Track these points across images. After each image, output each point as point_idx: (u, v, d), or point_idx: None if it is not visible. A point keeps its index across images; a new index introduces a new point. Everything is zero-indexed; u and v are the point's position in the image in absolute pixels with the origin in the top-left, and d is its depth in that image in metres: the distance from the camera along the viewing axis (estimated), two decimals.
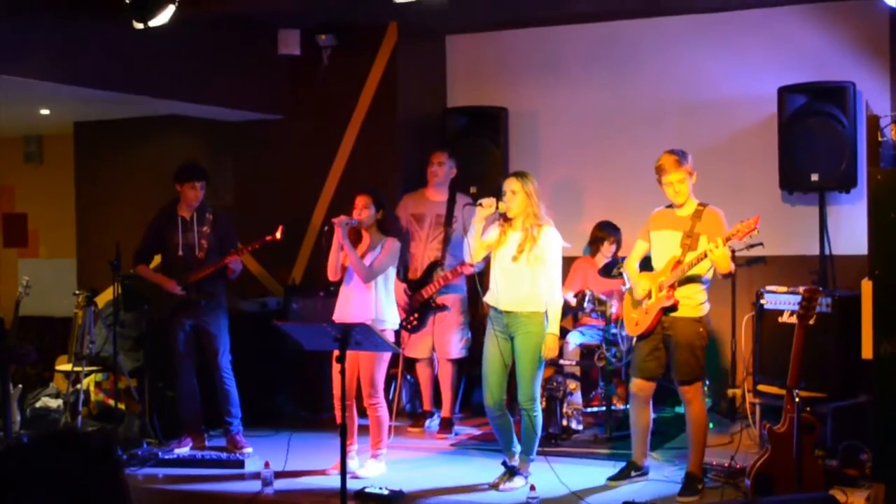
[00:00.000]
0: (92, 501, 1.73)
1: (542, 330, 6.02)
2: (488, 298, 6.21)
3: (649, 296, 5.99)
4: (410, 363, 8.06)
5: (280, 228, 6.86)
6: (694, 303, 5.93)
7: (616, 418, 7.25)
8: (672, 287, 5.87)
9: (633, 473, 6.21)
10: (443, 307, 7.65)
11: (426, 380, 7.99)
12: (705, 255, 5.74)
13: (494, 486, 6.11)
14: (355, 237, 6.52)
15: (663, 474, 6.36)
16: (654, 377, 6.07)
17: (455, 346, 7.76)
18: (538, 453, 6.25)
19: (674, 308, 5.90)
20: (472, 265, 6.45)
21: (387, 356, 6.47)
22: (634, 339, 6.15)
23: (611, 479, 6.19)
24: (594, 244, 8.00)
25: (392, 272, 6.55)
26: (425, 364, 7.92)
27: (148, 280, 7.20)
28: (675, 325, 5.93)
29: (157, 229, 7.25)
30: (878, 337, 5.55)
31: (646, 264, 6.22)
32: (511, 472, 6.13)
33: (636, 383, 6.10)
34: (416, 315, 7.60)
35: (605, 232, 7.92)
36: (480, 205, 6.06)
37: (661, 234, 6.06)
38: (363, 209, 6.47)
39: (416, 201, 7.90)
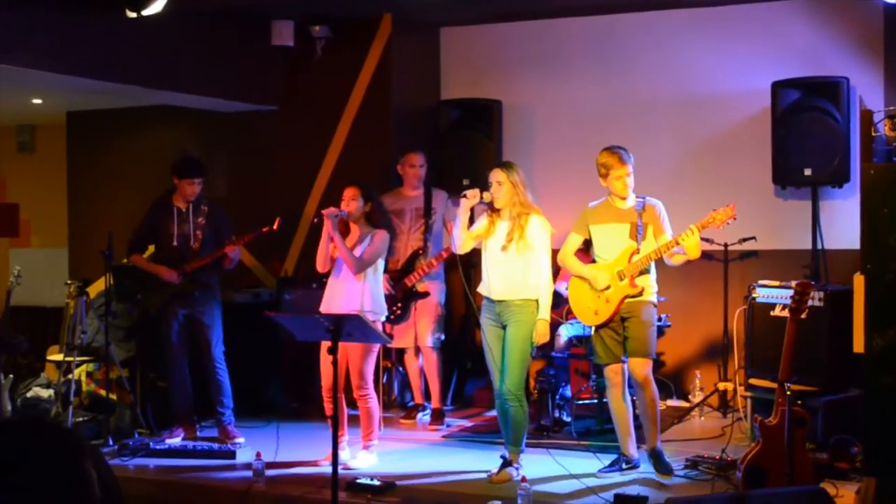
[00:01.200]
0: (46, 488, 1.71)
1: (533, 318, 6.06)
2: (481, 289, 6.25)
3: (607, 286, 6.18)
4: (400, 355, 8.10)
5: (277, 220, 6.88)
6: (652, 289, 6.23)
7: (608, 410, 7.25)
8: (633, 276, 6.10)
9: (623, 466, 6.24)
10: (425, 294, 7.70)
11: (415, 371, 8.02)
12: (677, 243, 5.99)
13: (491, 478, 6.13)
14: (344, 229, 6.52)
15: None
16: (622, 359, 6.25)
17: (433, 333, 7.78)
18: (532, 445, 6.26)
19: (638, 295, 6.15)
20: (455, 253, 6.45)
21: (376, 347, 6.48)
22: (593, 329, 6.29)
23: (601, 471, 6.22)
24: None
25: (381, 264, 6.56)
26: (412, 354, 7.95)
27: (142, 270, 7.21)
28: (636, 308, 6.17)
29: (152, 219, 7.26)
30: (869, 331, 5.56)
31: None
32: (505, 464, 6.15)
33: (613, 368, 6.23)
34: (398, 305, 7.62)
35: None
36: (465, 196, 6.10)
37: (606, 227, 6.25)
38: (351, 201, 6.48)
39: (394, 199, 7.94)
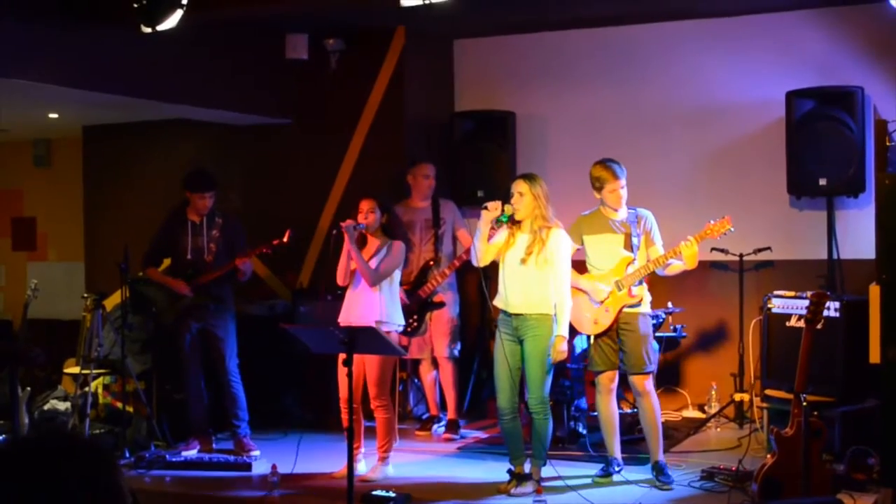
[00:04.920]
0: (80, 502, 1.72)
1: (550, 332, 5.97)
2: (497, 301, 6.18)
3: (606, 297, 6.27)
4: (415, 366, 8.10)
5: (287, 232, 6.91)
6: (647, 300, 6.33)
7: (624, 422, 7.23)
8: (630, 286, 6.22)
9: (615, 469, 6.36)
10: (440, 304, 7.70)
11: (430, 383, 8.02)
12: (675, 254, 6.11)
13: (503, 492, 6.08)
14: (360, 241, 6.54)
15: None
16: (617, 366, 6.34)
17: (449, 344, 7.79)
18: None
19: (636, 305, 6.25)
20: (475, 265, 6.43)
21: (394, 357, 6.49)
22: (592, 338, 6.36)
23: (597, 478, 6.32)
24: None
25: (397, 275, 6.57)
26: (427, 365, 7.95)
27: (157, 282, 7.24)
28: (633, 320, 6.27)
29: (166, 232, 7.30)
30: (885, 341, 5.56)
31: None
32: (521, 478, 6.11)
33: (608, 375, 6.33)
34: (414, 317, 7.61)
35: None
36: (486, 208, 6.05)
37: (600, 237, 6.34)
38: (369, 213, 6.48)
39: (404, 211, 7.86)
